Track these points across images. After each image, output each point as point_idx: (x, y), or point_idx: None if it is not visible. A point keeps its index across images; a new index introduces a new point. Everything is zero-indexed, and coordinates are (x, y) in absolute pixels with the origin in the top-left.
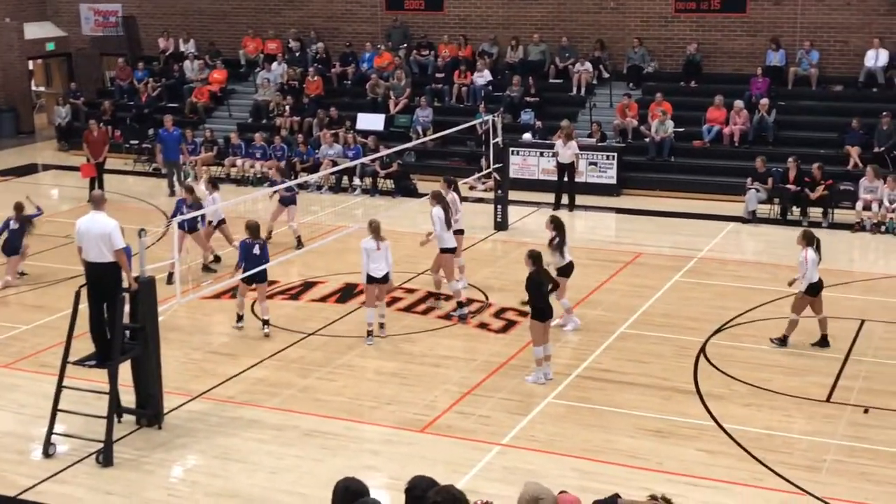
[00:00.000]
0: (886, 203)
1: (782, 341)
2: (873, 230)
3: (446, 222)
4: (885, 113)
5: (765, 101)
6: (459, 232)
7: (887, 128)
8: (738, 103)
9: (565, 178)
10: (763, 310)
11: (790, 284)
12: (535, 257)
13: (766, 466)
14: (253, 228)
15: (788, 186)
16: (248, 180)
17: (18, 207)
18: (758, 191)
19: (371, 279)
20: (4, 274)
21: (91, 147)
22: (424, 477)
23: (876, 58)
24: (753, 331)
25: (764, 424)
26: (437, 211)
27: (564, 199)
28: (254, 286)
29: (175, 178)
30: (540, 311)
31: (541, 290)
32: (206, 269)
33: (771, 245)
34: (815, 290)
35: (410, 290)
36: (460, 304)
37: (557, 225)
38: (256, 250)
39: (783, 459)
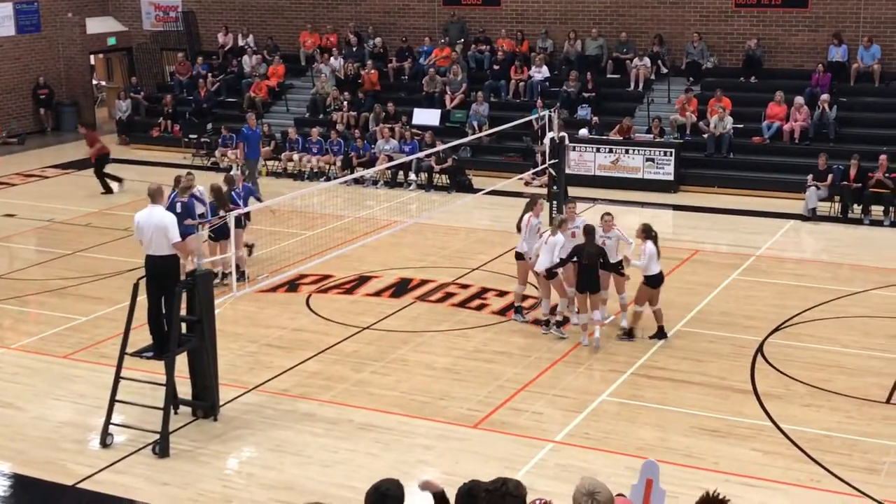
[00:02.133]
0: None
1: (628, 333)
2: None
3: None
4: None
5: (825, 96)
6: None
7: None
8: (799, 99)
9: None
10: (822, 309)
11: (625, 262)
12: (587, 230)
13: (824, 468)
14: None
15: (849, 184)
16: (305, 175)
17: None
18: (818, 188)
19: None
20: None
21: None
22: (477, 482)
23: None
24: (812, 330)
25: (822, 425)
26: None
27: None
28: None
29: (254, 175)
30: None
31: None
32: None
33: (831, 243)
34: (655, 281)
35: (464, 286)
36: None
37: (649, 233)
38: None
39: (841, 461)
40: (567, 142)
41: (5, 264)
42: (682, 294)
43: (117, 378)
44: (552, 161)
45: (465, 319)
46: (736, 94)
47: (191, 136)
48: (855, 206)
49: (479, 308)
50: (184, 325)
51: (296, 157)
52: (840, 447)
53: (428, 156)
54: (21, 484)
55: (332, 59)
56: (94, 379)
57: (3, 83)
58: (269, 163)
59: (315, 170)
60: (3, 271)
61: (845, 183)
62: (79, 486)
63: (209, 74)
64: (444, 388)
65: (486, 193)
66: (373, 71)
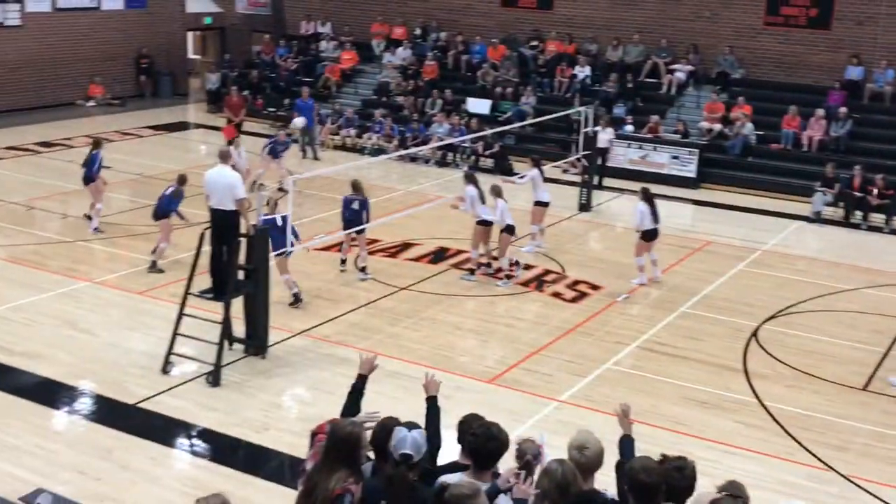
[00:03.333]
0: None
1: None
2: None
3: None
4: None
5: (843, 109)
6: (543, 203)
7: None
8: (819, 112)
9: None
10: (815, 302)
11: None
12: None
13: (798, 442)
14: (355, 185)
15: (853, 192)
16: (365, 151)
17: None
18: (825, 194)
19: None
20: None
21: (231, 109)
22: (476, 415)
23: None
24: (804, 320)
25: (802, 405)
26: (470, 190)
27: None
28: (353, 237)
29: (306, 142)
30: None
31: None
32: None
33: (831, 244)
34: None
35: (495, 258)
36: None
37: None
38: (356, 205)
39: (815, 438)
40: (612, 138)
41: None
42: (691, 279)
43: (180, 314)
44: (585, 152)
45: (494, 288)
46: (760, 103)
47: (270, 108)
48: (856, 211)
49: (507, 278)
50: (242, 273)
51: (352, 132)
52: (816, 426)
53: (474, 141)
54: (91, 399)
55: (399, 49)
56: (162, 314)
57: (110, 51)
58: (332, 136)
59: (375, 147)
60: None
61: (849, 191)
62: (138, 405)
63: (290, 56)
64: (466, 345)
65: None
66: (433, 62)
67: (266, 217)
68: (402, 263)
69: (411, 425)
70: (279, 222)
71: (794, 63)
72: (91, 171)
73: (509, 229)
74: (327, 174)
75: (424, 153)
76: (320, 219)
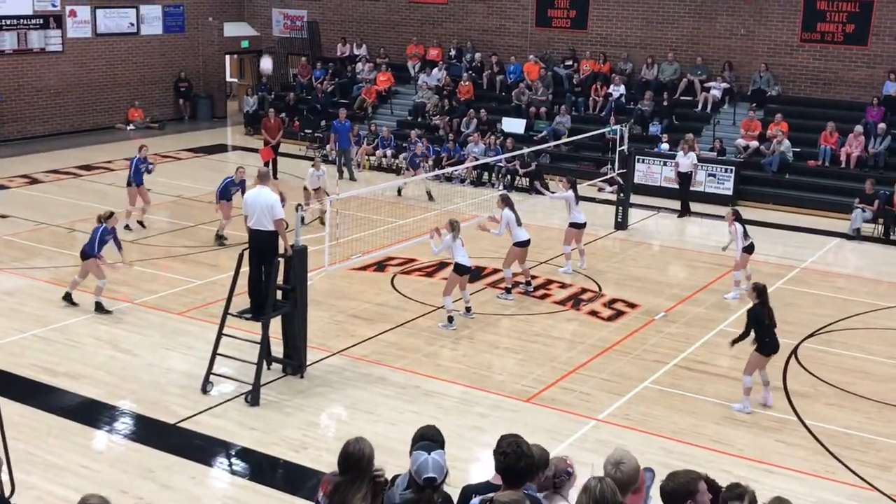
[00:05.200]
0: None
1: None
2: None
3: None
4: None
5: (882, 126)
6: (580, 225)
7: None
8: (858, 128)
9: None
10: (855, 319)
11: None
12: (759, 290)
13: (840, 461)
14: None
15: (892, 208)
16: (398, 169)
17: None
18: (863, 210)
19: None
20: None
21: (268, 132)
22: (510, 434)
23: None
24: (845, 338)
25: (843, 424)
26: (507, 213)
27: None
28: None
29: (343, 163)
30: (765, 344)
31: (762, 323)
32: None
33: (871, 261)
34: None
35: (534, 276)
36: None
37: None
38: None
39: (857, 457)
40: (695, 162)
41: (140, 231)
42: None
43: (220, 334)
44: (621, 171)
45: (530, 306)
46: (797, 120)
47: (306, 130)
48: None
49: (543, 297)
50: (280, 293)
51: (388, 152)
52: (857, 444)
53: (511, 160)
54: (132, 419)
55: (434, 69)
56: (201, 334)
57: (150, 75)
58: (369, 157)
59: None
60: (137, 237)
61: (888, 207)
62: (179, 425)
63: (325, 78)
64: (504, 364)
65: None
66: (468, 82)
67: None
68: (439, 282)
69: (429, 446)
70: None
71: (831, 79)
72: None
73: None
74: (364, 194)
75: (460, 173)
76: (357, 238)
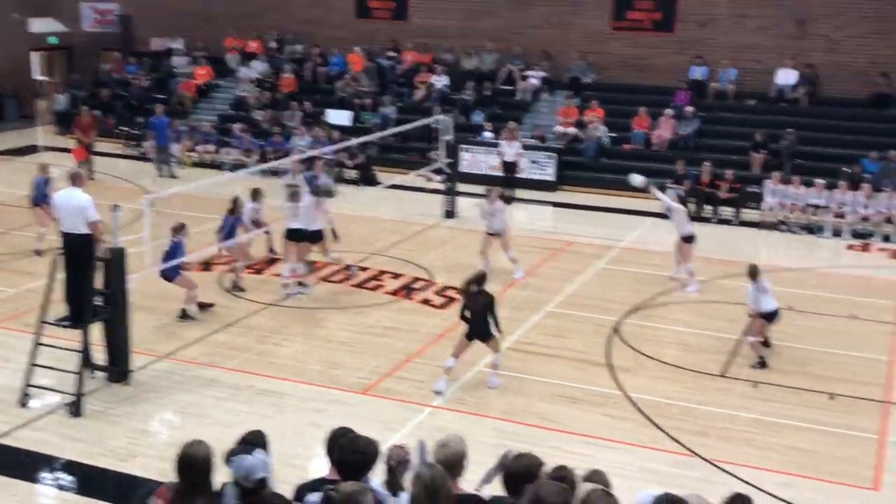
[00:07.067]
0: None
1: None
2: (780, 228)
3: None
4: (789, 129)
5: (690, 109)
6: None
7: (790, 139)
8: (668, 112)
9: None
10: (672, 294)
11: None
12: (479, 279)
13: (663, 431)
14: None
15: (702, 187)
16: (224, 166)
17: None
18: (676, 190)
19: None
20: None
21: (81, 130)
22: (345, 429)
23: (786, 77)
24: (663, 313)
25: (664, 394)
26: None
27: None
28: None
29: (162, 160)
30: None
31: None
32: None
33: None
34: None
35: (363, 269)
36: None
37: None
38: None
39: (678, 425)
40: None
41: None
42: (555, 280)
43: (37, 344)
44: (447, 160)
45: (363, 299)
46: (611, 106)
47: (122, 127)
48: (707, 206)
49: (375, 289)
50: (100, 298)
51: (211, 148)
52: (678, 413)
53: (338, 152)
54: None
55: (254, 62)
56: (18, 345)
57: None
58: (189, 154)
59: (235, 162)
60: None
61: (699, 186)
62: None
63: (142, 73)
64: (338, 358)
65: (389, 187)
66: (291, 74)
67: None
68: (268, 279)
69: (247, 449)
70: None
71: (642, 65)
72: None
73: (310, 236)
74: (185, 192)
75: (286, 166)
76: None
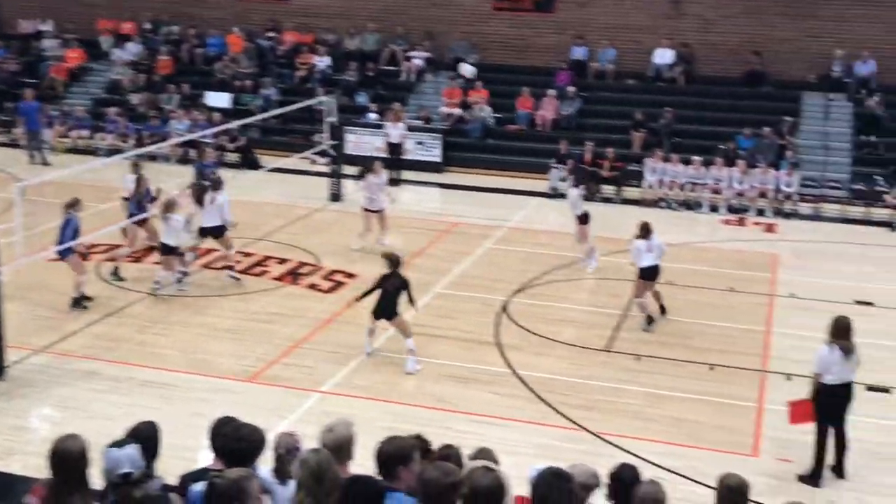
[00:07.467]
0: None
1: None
2: (660, 205)
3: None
4: (667, 108)
5: (572, 89)
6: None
7: (668, 118)
8: (551, 92)
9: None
10: (558, 272)
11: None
12: (393, 260)
13: (551, 406)
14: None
15: (585, 167)
16: (100, 151)
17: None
18: (559, 170)
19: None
20: None
21: None
22: (228, 418)
23: (663, 56)
24: (550, 291)
25: (550, 370)
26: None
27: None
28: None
29: (34, 147)
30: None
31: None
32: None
33: (569, 217)
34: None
35: (247, 254)
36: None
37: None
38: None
39: (564, 400)
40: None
41: None
42: (443, 261)
43: None
44: (332, 143)
45: (249, 285)
46: (495, 87)
47: None
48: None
49: (261, 274)
50: None
51: (85, 133)
52: (563, 388)
53: (216, 135)
54: None
55: (129, 44)
56: None
57: None
58: (62, 139)
59: (110, 147)
60: None
61: (582, 165)
62: None
63: (10, 56)
64: (223, 347)
65: (272, 170)
66: (167, 56)
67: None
68: (149, 267)
69: (121, 442)
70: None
71: (523, 46)
72: None
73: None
74: (59, 179)
75: (164, 151)
76: (55, 227)
